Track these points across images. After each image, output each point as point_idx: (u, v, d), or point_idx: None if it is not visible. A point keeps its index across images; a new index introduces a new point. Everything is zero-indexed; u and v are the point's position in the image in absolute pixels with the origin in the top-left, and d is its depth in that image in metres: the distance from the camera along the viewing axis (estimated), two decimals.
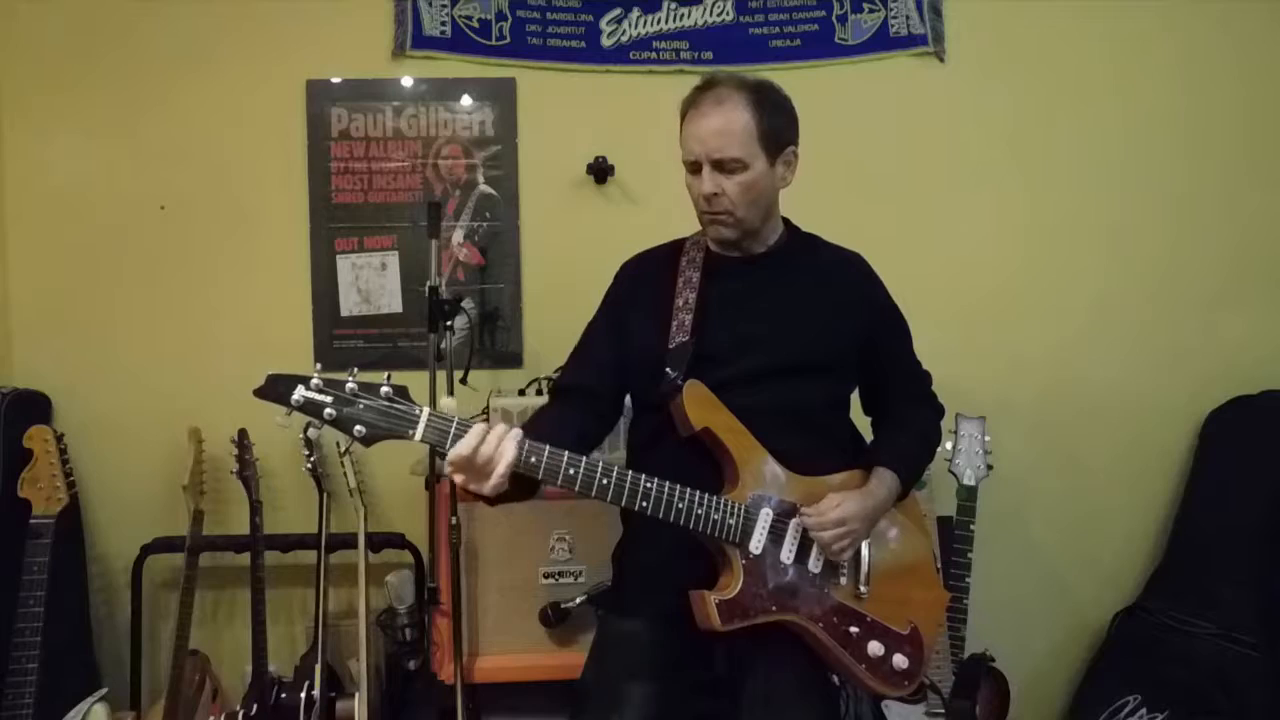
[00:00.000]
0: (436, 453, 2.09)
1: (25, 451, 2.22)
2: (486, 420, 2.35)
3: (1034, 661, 2.77)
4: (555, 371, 2.53)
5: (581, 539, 2.30)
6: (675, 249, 1.85)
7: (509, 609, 2.32)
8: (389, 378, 1.44)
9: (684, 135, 1.72)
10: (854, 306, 1.80)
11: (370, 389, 1.43)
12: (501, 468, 1.46)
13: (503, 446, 1.46)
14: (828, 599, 1.69)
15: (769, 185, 1.74)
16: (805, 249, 1.84)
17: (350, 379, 1.42)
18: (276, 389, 1.40)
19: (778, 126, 1.72)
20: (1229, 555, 2.57)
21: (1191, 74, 2.79)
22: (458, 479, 1.48)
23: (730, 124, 1.67)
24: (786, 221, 1.86)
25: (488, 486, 1.48)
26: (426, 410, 1.45)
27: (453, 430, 1.45)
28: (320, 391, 1.40)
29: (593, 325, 1.87)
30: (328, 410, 1.40)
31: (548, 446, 1.51)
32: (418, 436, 1.44)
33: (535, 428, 1.66)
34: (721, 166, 1.68)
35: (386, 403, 1.43)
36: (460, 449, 1.44)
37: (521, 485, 1.55)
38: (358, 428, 1.41)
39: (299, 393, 1.40)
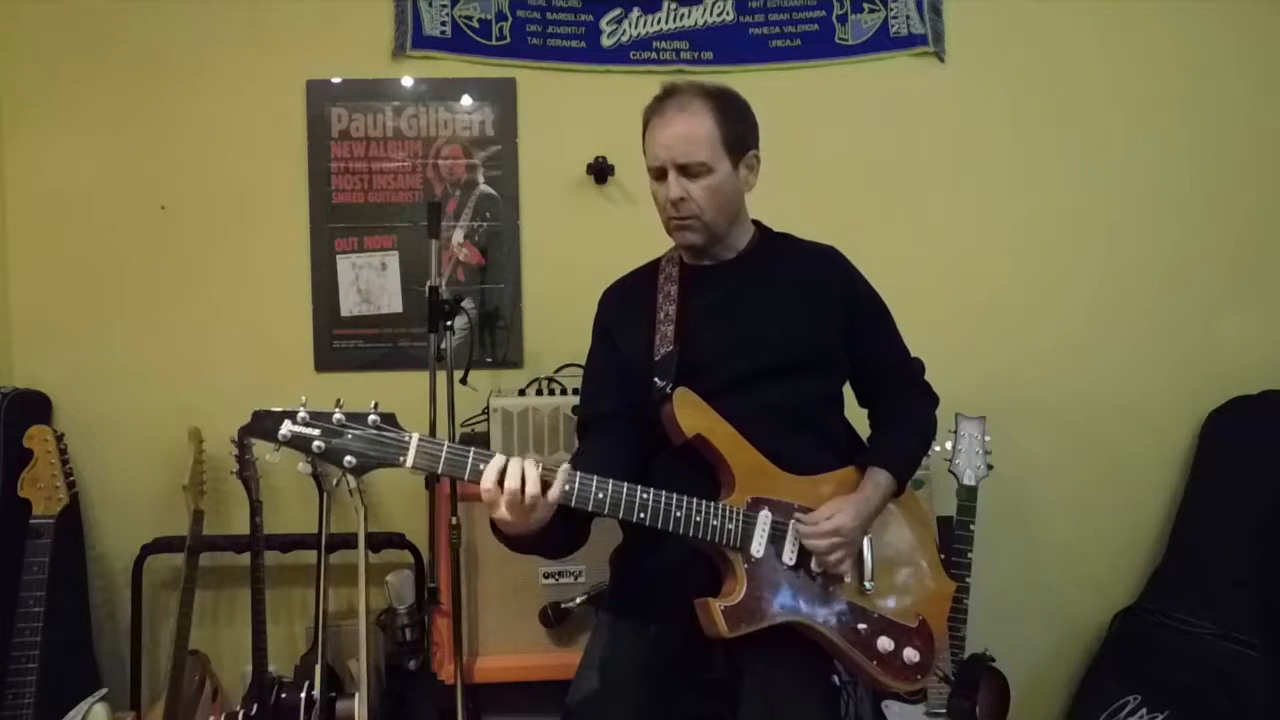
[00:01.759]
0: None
1: (25, 451, 2.22)
2: (486, 421, 2.38)
3: (1034, 661, 2.77)
4: (556, 371, 2.54)
5: None
6: (651, 269, 1.88)
7: (509, 609, 2.32)
8: (376, 405, 1.44)
9: (648, 142, 1.75)
10: (833, 300, 1.81)
11: (358, 418, 1.43)
12: (548, 493, 1.46)
13: (527, 469, 1.46)
14: (833, 598, 1.69)
15: (733, 189, 1.75)
16: (778, 248, 1.85)
17: (337, 410, 1.42)
18: (263, 425, 1.40)
19: (740, 131, 1.74)
20: (1229, 555, 2.57)
21: (1191, 74, 2.79)
22: (500, 515, 1.48)
23: (694, 129, 1.69)
24: (757, 223, 1.87)
25: (534, 518, 1.48)
26: (416, 436, 1.45)
27: (444, 455, 1.45)
28: (307, 425, 1.40)
29: (590, 355, 1.90)
30: (316, 443, 1.40)
31: (541, 463, 1.51)
32: (409, 463, 1.44)
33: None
34: (687, 171, 1.70)
35: (375, 431, 1.43)
36: (486, 481, 1.44)
37: (560, 532, 1.56)
38: (347, 458, 1.41)
39: (286, 427, 1.40)
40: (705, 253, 1.80)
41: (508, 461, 1.47)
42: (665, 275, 1.83)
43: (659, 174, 1.73)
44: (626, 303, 1.86)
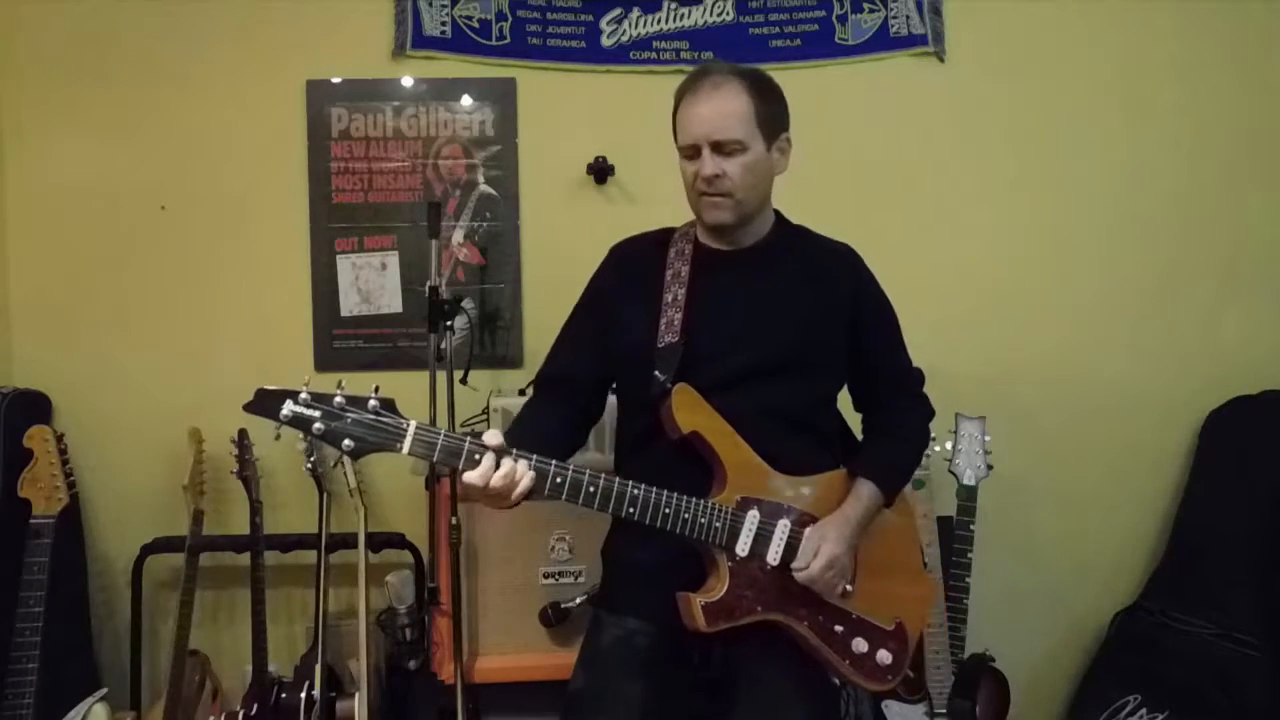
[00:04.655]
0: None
1: (25, 451, 2.22)
2: (486, 421, 2.38)
3: (1034, 661, 2.77)
4: None
5: (581, 539, 2.30)
6: (664, 239, 1.84)
7: (509, 609, 2.32)
8: (377, 389, 1.46)
9: (682, 120, 1.73)
10: (841, 301, 1.80)
11: (358, 402, 1.44)
12: (517, 494, 1.51)
13: (518, 472, 1.50)
14: (814, 598, 1.69)
15: (766, 169, 1.74)
16: (794, 241, 1.84)
17: (339, 393, 1.43)
18: (265, 404, 1.42)
19: (774, 111, 1.74)
20: (1229, 555, 2.57)
21: (1191, 73, 2.79)
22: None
23: (729, 106, 1.68)
24: (777, 213, 1.86)
25: (504, 506, 1.53)
26: (414, 423, 1.46)
27: (440, 442, 1.47)
28: (309, 406, 1.42)
29: (577, 313, 1.88)
30: (316, 425, 1.42)
31: (535, 457, 1.53)
32: (405, 449, 1.46)
33: (519, 424, 1.74)
34: (722, 148, 1.68)
35: (374, 416, 1.44)
36: (472, 481, 1.48)
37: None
38: (346, 441, 1.43)
39: (288, 407, 1.41)
40: (729, 235, 1.77)
41: (498, 464, 1.51)
42: (677, 250, 1.80)
43: (692, 152, 1.71)
44: (633, 272, 1.83)
